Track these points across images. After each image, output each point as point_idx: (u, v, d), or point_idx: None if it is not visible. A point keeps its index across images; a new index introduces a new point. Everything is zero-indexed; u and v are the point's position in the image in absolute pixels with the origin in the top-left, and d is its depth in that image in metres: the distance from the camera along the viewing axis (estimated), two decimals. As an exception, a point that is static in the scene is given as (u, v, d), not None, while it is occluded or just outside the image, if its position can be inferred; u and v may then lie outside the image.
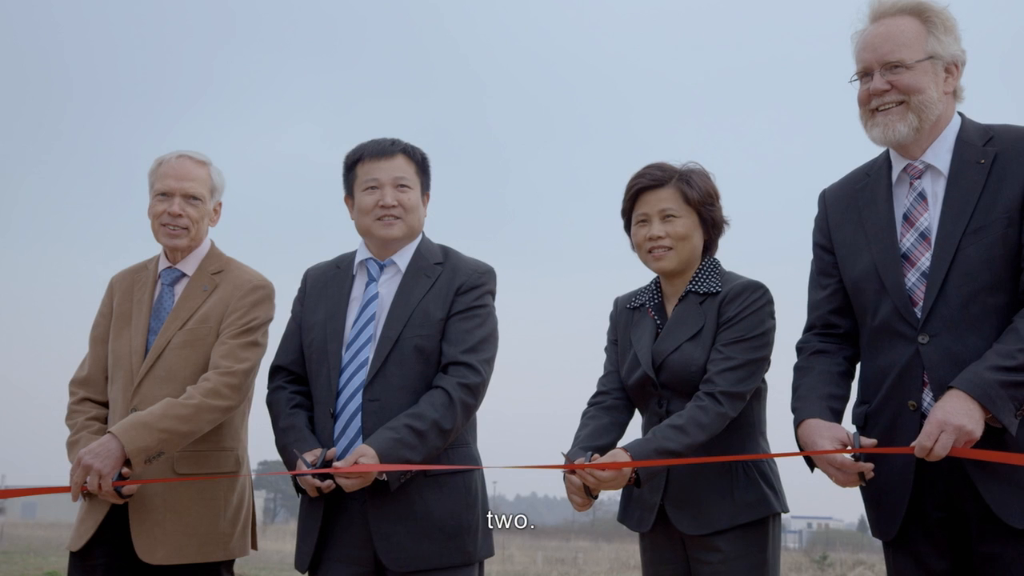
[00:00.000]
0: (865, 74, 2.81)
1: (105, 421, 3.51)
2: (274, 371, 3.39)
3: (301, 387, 3.31)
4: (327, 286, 3.36)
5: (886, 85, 2.76)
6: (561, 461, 3.00)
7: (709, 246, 3.22)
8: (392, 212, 3.24)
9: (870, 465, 2.65)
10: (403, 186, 3.25)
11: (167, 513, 3.37)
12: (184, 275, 3.63)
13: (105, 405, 3.58)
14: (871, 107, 2.80)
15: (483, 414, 3.34)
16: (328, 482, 3.02)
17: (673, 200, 3.14)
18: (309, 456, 3.05)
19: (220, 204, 3.75)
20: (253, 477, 3.65)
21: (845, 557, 25.52)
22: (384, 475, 3.03)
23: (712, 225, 3.20)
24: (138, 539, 3.35)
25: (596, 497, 2.98)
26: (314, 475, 3.02)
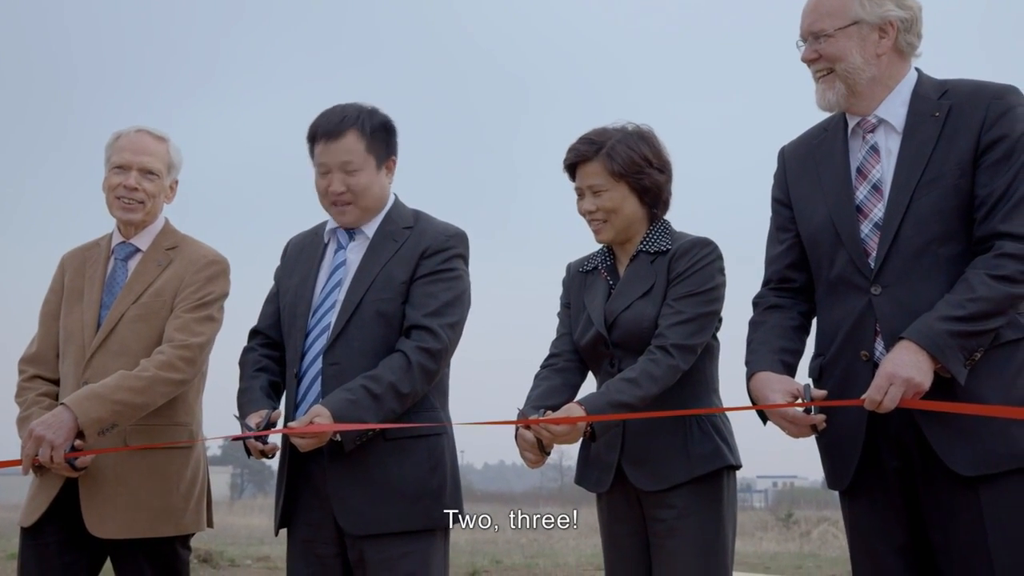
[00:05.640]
0: (803, 40, 2.83)
1: (56, 398, 3.45)
2: (251, 334, 3.40)
3: (273, 351, 3.31)
4: (303, 251, 3.37)
5: (814, 54, 2.79)
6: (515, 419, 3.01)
7: (656, 208, 3.19)
8: (342, 198, 3.19)
9: (821, 417, 2.67)
10: (352, 171, 3.17)
11: (118, 487, 3.33)
12: (138, 250, 3.58)
13: (55, 383, 3.53)
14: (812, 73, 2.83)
15: (456, 380, 3.32)
16: (270, 444, 3.03)
17: (599, 175, 3.11)
18: (253, 419, 3.05)
19: (176, 182, 3.69)
20: (204, 445, 3.62)
21: (810, 514, 25.81)
22: (339, 436, 3.02)
23: (645, 191, 3.14)
24: (88, 513, 3.31)
25: (549, 453, 2.99)
26: (256, 437, 3.01)
